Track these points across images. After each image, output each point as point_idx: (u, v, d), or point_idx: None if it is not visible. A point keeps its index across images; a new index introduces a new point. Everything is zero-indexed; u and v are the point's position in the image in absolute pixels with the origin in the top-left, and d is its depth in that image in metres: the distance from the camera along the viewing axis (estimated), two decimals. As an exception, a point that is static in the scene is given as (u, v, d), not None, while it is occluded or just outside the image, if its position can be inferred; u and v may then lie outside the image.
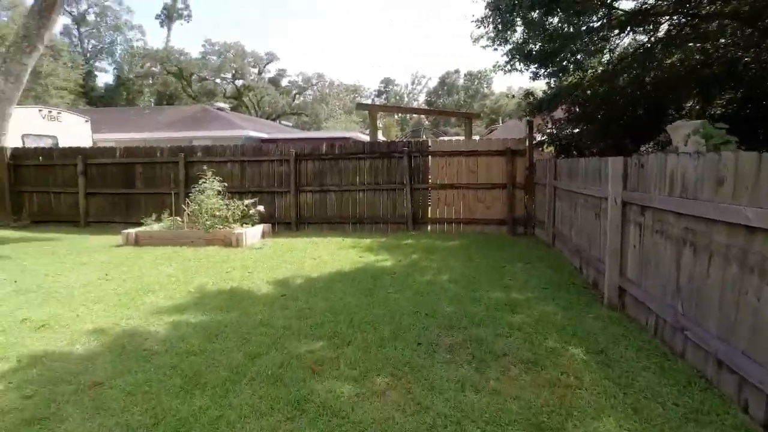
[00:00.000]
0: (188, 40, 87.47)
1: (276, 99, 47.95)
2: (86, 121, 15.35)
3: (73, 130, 14.40)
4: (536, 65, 8.98)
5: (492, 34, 9.28)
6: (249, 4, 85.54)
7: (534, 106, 9.37)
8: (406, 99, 70.04)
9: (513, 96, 11.21)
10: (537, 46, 8.57)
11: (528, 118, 9.34)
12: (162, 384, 2.91)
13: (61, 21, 60.27)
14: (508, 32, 8.92)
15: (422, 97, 71.03)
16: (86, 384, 2.93)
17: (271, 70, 52.89)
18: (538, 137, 9.44)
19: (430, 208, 9.64)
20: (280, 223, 9.82)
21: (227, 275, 5.80)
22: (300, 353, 3.37)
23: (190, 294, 4.96)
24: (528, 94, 9.95)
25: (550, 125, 9.48)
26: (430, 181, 9.52)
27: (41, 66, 30.36)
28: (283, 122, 40.00)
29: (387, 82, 71.41)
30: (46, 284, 5.44)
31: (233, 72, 47.86)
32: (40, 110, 13.89)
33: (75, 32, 46.77)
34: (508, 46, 9.14)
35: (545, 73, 8.91)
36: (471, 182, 9.29)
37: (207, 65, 46.61)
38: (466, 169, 9.32)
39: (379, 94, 70.30)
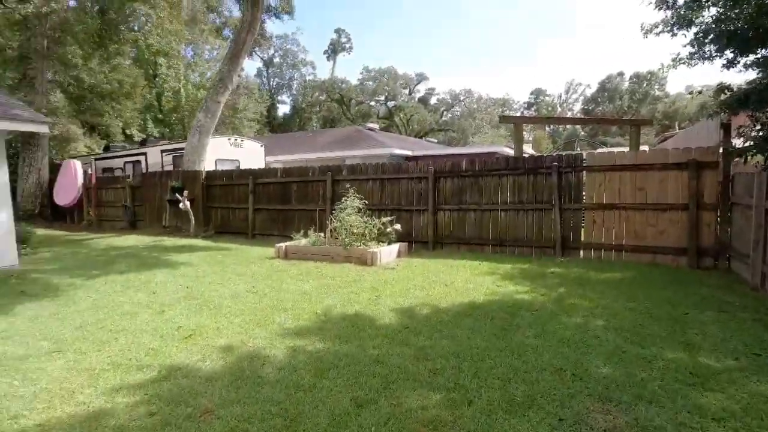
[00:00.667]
0: (349, 68, 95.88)
1: (424, 117, 49.06)
2: (261, 146, 17.60)
3: (252, 155, 16.58)
4: (736, 49, 6.82)
5: (672, 18, 7.40)
6: (404, 32, 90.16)
7: (734, 102, 7.00)
8: (558, 109, 64.94)
9: (699, 92, 8.82)
10: (740, 24, 6.53)
11: (723, 118, 7.22)
12: (262, 424, 2.71)
13: (256, 65, 71.42)
14: (695, 11, 7.03)
15: (578, 106, 65.03)
16: (199, 410, 2.90)
17: (421, 90, 54.50)
18: (738, 143, 7.18)
19: (583, 231, 8.26)
20: (417, 242, 9.53)
21: (355, 297, 5.64)
22: (411, 407, 2.87)
23: (316, 316, 4.89)
24: (723, 88, 7.57)
25: (758, 127, 6.98)
26: (584, 200, 8.17)
27: (238, 103, 36.35)
28: (428, 139, 40.56)
29: (538, 93, 67.31)
30: (207, 293, 6.01)
31: (386, 94, 50.58)
32: (228, 139, 16.37)
33: (264, 73, 55.30)
34: (693, 30, 7.20)
35: (752, 61, 6.73)
36: (638, 202, 7.66)
37: (364, 90, 50.23)
38: (631, 186, 7.73)
39: (529, 106, 66.63)
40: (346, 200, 8.85)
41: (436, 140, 41.08)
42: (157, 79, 33.30)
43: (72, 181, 16.12)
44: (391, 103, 50.87)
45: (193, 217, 12.28)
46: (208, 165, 14.89)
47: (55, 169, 17.72)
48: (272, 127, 48.71)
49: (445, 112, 53.93)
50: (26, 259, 8.84)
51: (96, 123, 26.65)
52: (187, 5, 27.96)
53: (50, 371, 3.56)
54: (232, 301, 5.54)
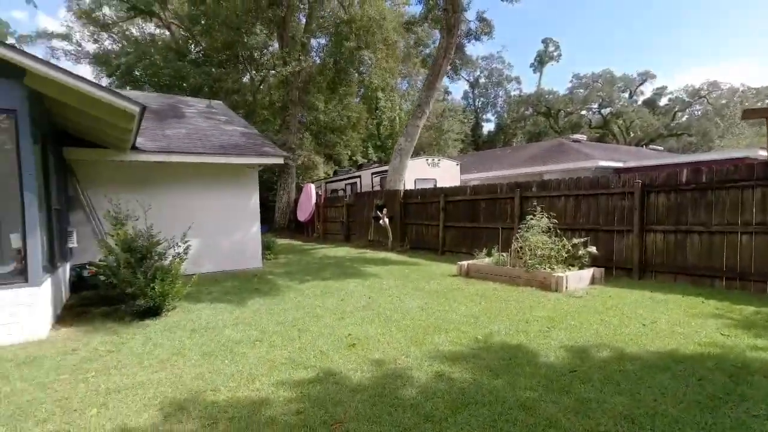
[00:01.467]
0: (557, 78, 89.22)
1: (649, 122, 41.56)
2: (456, 165, 17.98)
3: (447, 173, 17.09)
4: None
5: None
6: (621, 29, 78.85)
7: None
8: None
9: None
10: None
11: None
12: (380, 448, 2.64)
13: (462, 87, 73.87)
14: None
15: None
16: (335, 418, 3.03)
17: (645, 91, 46.42)
18: None
19: None
20: (618, 269, 8.02)
21: (524, 326, 5.06)
22: (547, 473, 2.34)
23: (475, 342, 4.57)
24: None
25: None
26: None
27: (443, 124, 38.25)
28: (652, 147, 34.01)
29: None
30: (383, 305, 6.36)
31: (600, 101, 45.03)
32: (426, 159, 17.31)
33: (470, 94, 56.74)
34: None
35: None
36: None
37: (573, 99, 45.95)
38: None
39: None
40: (531, 219, 8.15)
41: (661, 148, 34.20)
42: (377, 111, 37.87)
43: (308, 200, 19.69)
44: (606, 110, 45.03)
45: (390, 233, 13.35)
46: (408, 184, 16.04)
47: (299, 191, 22.04)
48: (477, 145, 49.30)
49: (679, 114, 44.56)
50: (268, 263, 11.16)
51: (330, 153, 32.04)
52: (402, 46, 31.26)
53: (249, 357, 4.31)
54: (401, 316, 5.71)
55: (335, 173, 25.54)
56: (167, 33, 30.71)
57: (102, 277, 6.18)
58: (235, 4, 22.05)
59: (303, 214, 20.08)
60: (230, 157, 9.39)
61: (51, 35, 32.01)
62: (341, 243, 16.23)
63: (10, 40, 36.42)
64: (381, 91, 35.74)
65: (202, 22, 26.06)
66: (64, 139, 7.73)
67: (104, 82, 31.08)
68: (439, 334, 4.88)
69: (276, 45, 25.12)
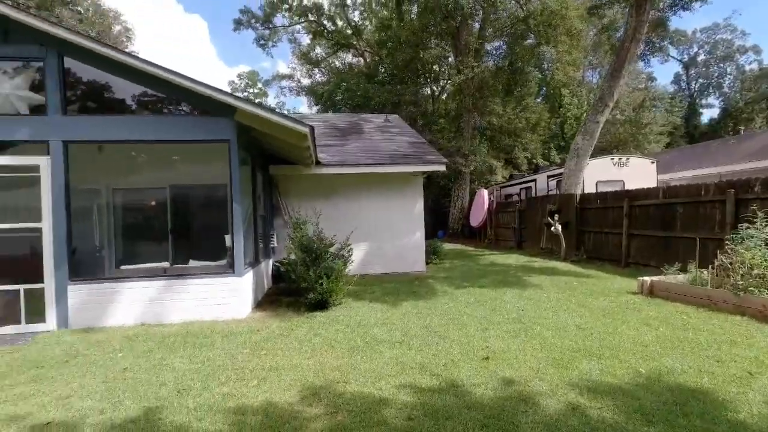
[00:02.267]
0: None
1: None
2: (652, 163, 15.03)
3: (639, 173, 14.48)
4: None
5: None
6: None
7: None
8: None
9: None
10: None
11: None
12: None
13: (672, 70, 61.98)
14: None
15: None
16: (441, 432, 2.92)
17: None
18: None
19: None
20: None
21: (713, 366, 3.90)
22: None
23: (634, 376, 3.76)
24: None
25: None
26: None
27: (642, 117, 32.64)
28: None
29: None
30: (534, 318, 5.80)
31: None
32: (611, 159, 15.03)
33: (684, 77, 46.85)
34: None
35: None
36: None
37: None
38: None
39: None
40: (748, 228, 6.27)
41: None
42: (561, 109, 34.80)
43: (481, 206, 19.41)
44: None
45: (564, 241, 12.06)
46: (588, 187, 14.25)
47: (472, 196, 21.93)
48: (692, 138, 40.34)
49: None
50: (432, 267, 11.43)
51: (508, 157, 30.87)
52: (591, 34, 28.06)
53: (384, 356, 4.51)
54: (551, 333, 5.11)
55: (510, 177, 24.51)
56: (361, 60, 34.78)
57: (286, 273, 7.38)
58: (413, 24, 23.45)
59: (475, 219, 19.89)
60: (395, 166, 10.01)
61: (281, 77, 40.12)
62: (512, 250, 15.44)
63: (258, 85, 47.13)
64: (564, 87, 32.74)
65: (388, 45, 28.62)
66: (271, 159, 9.49)
67: (314, 109, 37.20)
68: (590, 359, 4.19)
69: (451, 56, 25.70)
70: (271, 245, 9.73)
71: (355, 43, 33.78)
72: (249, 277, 6.92)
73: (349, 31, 33.75)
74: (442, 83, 30.95)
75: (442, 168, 10.44)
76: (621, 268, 10.09)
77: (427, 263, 11.51)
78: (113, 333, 5.62)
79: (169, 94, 6.60)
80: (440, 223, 25.08)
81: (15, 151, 6.45)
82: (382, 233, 10.50)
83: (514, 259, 12.82)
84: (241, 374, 4.08)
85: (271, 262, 9.63)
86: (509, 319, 5.83)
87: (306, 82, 38.41)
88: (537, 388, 3.55)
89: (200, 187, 9.32)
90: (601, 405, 3.22)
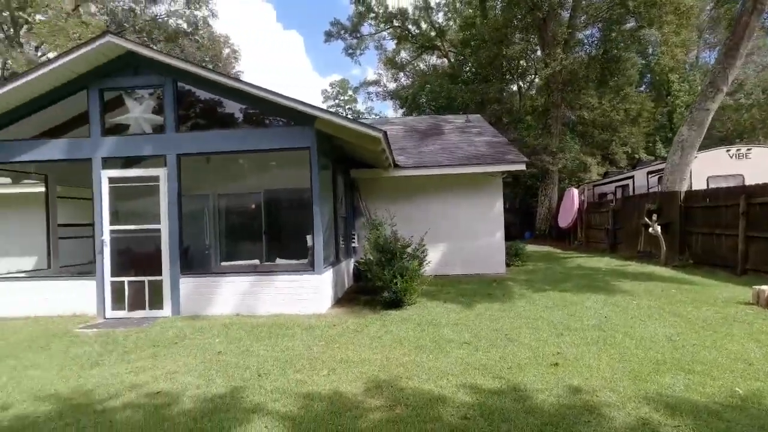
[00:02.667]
0: None
1: None
2: (781, 153, 12.77)
3: (764, 166, 12.40)
4: None
5: None
6: None
7: None
8: None
9: None
10: None
11: None
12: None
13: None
14: None
15: None
16: (494, 433, 2.90)
17: None
18: None
19: None
20: None
21: (835, 391, 3.31)
22: None
23: (728, 395, 3.34)
24: None
25: None
26: None
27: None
28: None
29: None
30: (618, 327, 5.37)
31: None
32: (726, 150, 13.07)
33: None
34: None
35: None
36: None
37: None
38: None
39: None
40: None
41: None
42: (669, 97, 31.16)
43: (570, 206, 18.18)
44: None
45: (664, 244, 10.83)
46: (697, 183, 12.64)
47: (560, 196, 20.62)
48: None
49: None
50: (513, 269, 11.03)
51: (603, 153, 28.41)
52: (708, 8, 24.75)
53: (450, 356, 4.53)
54: (634, 343, 4.70)
55: (605, 175, 22.56)
56: (445, 61, 34.63)
57: (363, 272, 7.71)
58: (497, 20, 22.74)
59: (564, 220, 18.69)
60: (472, 167, 9.89)
61: (368, 83, 41.59)
62: (603, 253, 14.24)
63: (349, 92, 49.32)
64: (672, 72, 29.17)
65: (472, 44, 28.09)
66: (353, 163, 9.92)
67: (399, 112, 37.93)
68: (675, 373, 3.80)
69: (538, 50, 24.43)
70: (353, 245, 10.20)
71: (438, 44, 33.73)
72: (329, 275, 7.36)
73: (432, 33, 33.80)
74: (528, 79, 29.54)
75: (522, 167, 10.04)
76: (736, 276, 8.79)
77: (508, 265, 11.16)
78: (213, 321, 6.39)
79: (259, 108, 7.32)
80: (527, 224, 23.96)
81: (144, 164, 7.68)
82: (460, 234, 10.42)
83: (604, 262, 11.84)
84: (314, 364, 4.41)
85: (352, 261, 10.08)
86: (588, 326, 5.47)
87: (392, 86, 39.29)
88: (605, 399, 3.34)
89: (289, 191, 10.13)
90: (679, 423, 2.93)
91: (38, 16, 23.66)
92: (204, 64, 28.49)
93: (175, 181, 7.00)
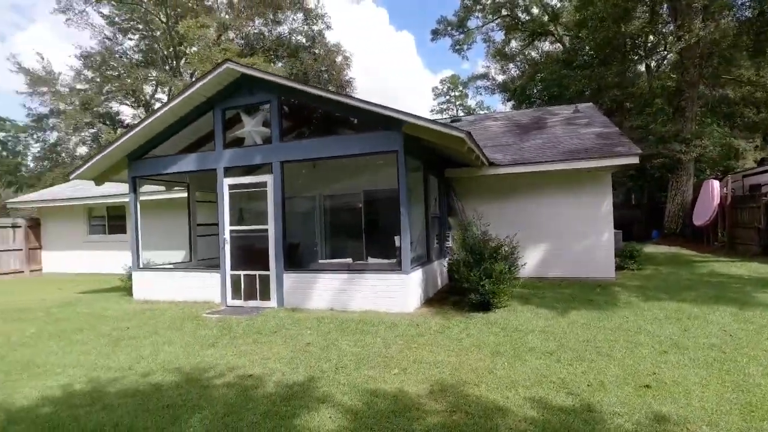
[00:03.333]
0: None
1: None
2: None
3: None
4: None
5: None
6: None
7: None
8: None
9: None
10: None
11: None
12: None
13: None
14: None
15: None
16: (551, 454, 2.71)
17: None
18: None
19: None
20: None
21: None
22: None
23: None
24: None
25: None
26: None
27: None
28: None
29: None
30: (745, 350, 4.50)
31: None
32: None
33: None
34: None
35: None
36: None
37: None
38: None
39: None
40: None
41: None
42: None
43: (708, 200, 15.46)
44: None
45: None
46: None
47: (696, 190, 17.65)
48: None
49: None
50: (626, 273, 9.84)
51: (763, 134, 23.51)
52: None
53: (527, 365, 4.30)
54: (761, 371, 3.90)
55: (761, 162, 18.65)
56: (559, 46, 32.04)
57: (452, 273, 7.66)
58: (616, -6, 20.23)
59: (700, 217, 15.96)
60: (575, 162, 9.06)
61: (476, 77, 40.65)
62: (752, 258, 11.83)
63: (459, 88, 48.67)
64: None
65: (590, 23, 25.37)
66: (449, 163, 9.81)
67: (508, 105, 36.29)
68: (805, 414, 3.08)
69: (671, 23, 21.10)
70: (447, 245, 10.15)
71: (552, 29, 31.28)
72: (417, 275, 7.47)
73: (545, 18, 31.46)
74: (657, 57, 25.67)
75: (634, 161, 8.88)
76: None
77: (621, 269, 10.04)
78: (309, 314, 6.98)
79: (351, 115, 7.76)
80: (655, 221, 20.96)
81: (256, 172, 8.70)
82: (561, 234, 9.67)
83: (749, 268, 9.86)
84: (388, 362, 4.57)
85: (445, 261, 10.05)
86: (703, 345, 4.69)
87: (501, 78, 37.72)
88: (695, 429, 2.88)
89: (386, 192, 10.48)
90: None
91: (193, 48, 27.98)
92: (318, 74, 30.83)
93: (279, 186, 7.79)
